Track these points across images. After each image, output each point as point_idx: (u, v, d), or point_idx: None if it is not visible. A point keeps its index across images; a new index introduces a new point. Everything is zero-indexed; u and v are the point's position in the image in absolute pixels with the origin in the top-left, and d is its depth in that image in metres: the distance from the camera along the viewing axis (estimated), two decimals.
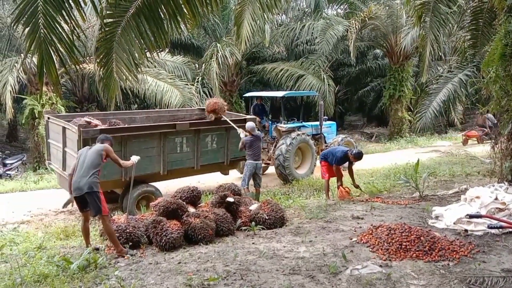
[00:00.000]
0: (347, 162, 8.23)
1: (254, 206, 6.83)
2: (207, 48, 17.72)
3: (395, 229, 5.26)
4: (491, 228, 5.13)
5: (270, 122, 12.16)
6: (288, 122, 11.66)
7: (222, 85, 17.94)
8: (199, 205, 6.74)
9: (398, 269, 4.40)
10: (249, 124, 8.70)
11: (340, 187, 8.28)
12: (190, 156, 8.61)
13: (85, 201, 5.41)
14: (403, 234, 5.10)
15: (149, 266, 4.80)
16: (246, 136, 8.54)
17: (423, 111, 14.22)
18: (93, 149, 5.63)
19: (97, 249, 5.49)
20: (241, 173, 11.89)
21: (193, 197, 6.66)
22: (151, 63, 13.87)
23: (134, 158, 6.10)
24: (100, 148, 5.61)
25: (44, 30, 4.24)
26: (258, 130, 11.31)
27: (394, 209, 7.00)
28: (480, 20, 10.30)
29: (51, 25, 4.27)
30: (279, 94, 12.18)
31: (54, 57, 4.46)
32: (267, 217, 6.40)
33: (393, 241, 5.00)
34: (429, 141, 18.32)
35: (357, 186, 8.40)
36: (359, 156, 8.02)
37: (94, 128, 7.39)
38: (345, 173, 8.50)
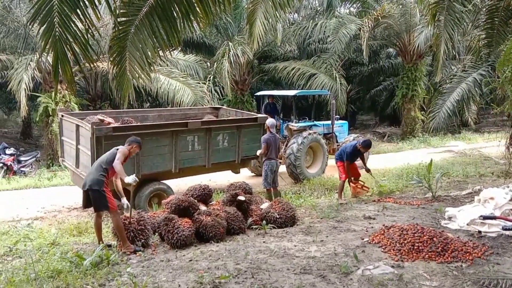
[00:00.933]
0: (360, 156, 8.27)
1: (265, 205, 6.84)
2: (219, 47, 17.74)
3: (407, 230, 5.22)
4: (506, 229, 5.06)
5: (282, 121, 12.16)
6: (300, 121, 11.64)
7: (234, 83, 17.96)
8: (210, 203, 6.77)
9: (410, 270, 4.37)
10: (270, 121, 8.65)
11: (352, 183, 8.27)
12: (202, 154, 8.65)
13: (89, 197, 5.53)
14: (416, 234, 5.06)
15: (160, 263, 4.84)
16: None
17: (437, 111, 14.05)
18: (114, 148, 5.76)
19: (110, 245, 5.56)
20: (252, 171, 12.01)
21: (205, 195, 6.69)
22: (164, 61, 13.95)
23: (130, 180, 5.63)
24: (116, 149, 5.72)
25: (59, 28, 4.29)
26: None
27: (407, 209, 6.95)
28: (496, 19, 10.14)
29: (66, 24, 4.32)
30: (291, 93, 12.17)
31: (69, 55, 4.51)
32: (278, 216, 6.40)
33: (406, 241, 4.97)
34: (442, 141, 18.12)
35: (368, 170, 8.47)
36: (366, 144, 8.06)
37: (107, 126, 7.46)
38: (362, 172, 8.54)
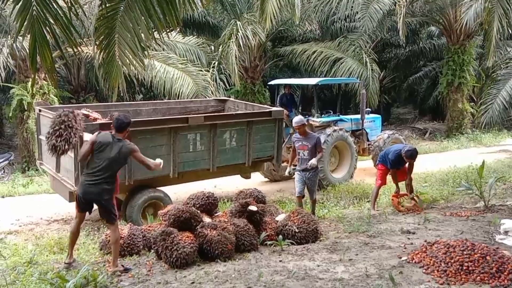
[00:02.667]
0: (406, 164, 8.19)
1: (281, 217, 6.85)
2: (225, 27, 17.78)
3: (454, 247, 5.19)
4: None
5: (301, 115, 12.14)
6: (323, 116, 11.61)
7: (243, 71, 17.99)
8: (216, 215, 6.79)
9: None
10: (298, 119, 8.08)
11: (394, 196, 8.22)
12: (205, 156, 8.67)
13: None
14: (465, 252, 5.02)
15: (157, 287, 4.88)
16: None
17: (489, 102, 13.98)
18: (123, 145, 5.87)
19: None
20: (265, 176, 12.02)
21: (209, 204, 6.71)
22: (159, 45, 14.02)
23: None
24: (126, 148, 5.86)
25: (37, 7, 4.35)
26: (286, 125, 11.33)
27: (453, 221, 6.91)
28: None
29: (45, 1, 4.37)
30: (311, 81, 12.13)
31: (49, 38, 4.56)
32: (297, 230, 6.40)
33: (452, 260, 4.94)
34: (496, 138, 17.93)
35: (412, 199, 8.26)
36: (411, 155, 7.94)
37: (93, 123, 7.52)
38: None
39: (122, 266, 5.57)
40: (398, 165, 8.19)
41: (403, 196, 8.40)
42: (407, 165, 8.22)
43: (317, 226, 6.64)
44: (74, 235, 5.94)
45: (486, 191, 7.83)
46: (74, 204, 6.08)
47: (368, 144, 12.23)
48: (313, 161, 7.66)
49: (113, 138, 5.59)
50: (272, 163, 10.10)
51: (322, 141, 10.53)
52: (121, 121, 5.71)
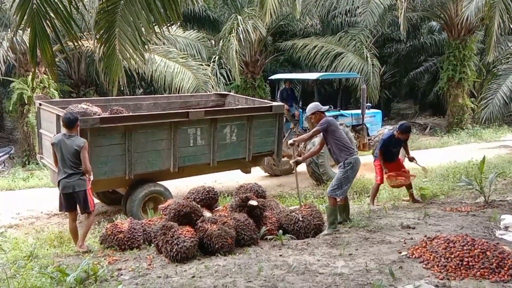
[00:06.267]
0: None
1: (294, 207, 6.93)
2: (225, 22, 17.75)
3: (454, 242, 5.18)
4: None
5: (301, 110, 12.12)
6: None
7: (243, 65, 17.96)
8: (216, 209, 6.80)
9: None
10: (313, 106, 7.19)
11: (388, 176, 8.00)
12: (206, 150, 8.67)
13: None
14: (465, 247, 5.02)
15: (157, 280, 4.88)
16: None
17: (490, 97, 13.96)
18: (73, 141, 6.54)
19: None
20: (266, 171, 12.02)
21: (209, 199, 6.73)
22: (160, 39, 13.99)
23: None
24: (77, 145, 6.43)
25: (38, 0, 4.33)
26: (287, 120, 11.33)
27: (454, 217, 6.90)
28: None
29: None
30: (312, 76, 12.12)
31: (49, 32, 4.55)
32: (300, 218, 6.44)
33: (452, 256, 4.93)
34: (497, 134, 17.92)
35: (412, 159, 8.16)
36: (405, 129, 7.85)
37: (94, 117, 7.52)
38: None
39: (86, 246, 6.33)
40: (393, 150, 8.02)
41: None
42: (400, 156, 8.23)
43: (321, 223, 6.66)
44: (73, 232, 6.53)
45: (487, 186, 7.82)
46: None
47: (369, 139, 12.22)
48: (290, 140, 6.97)
49: (63, 136, 6.36)
50: (272, 157, 10.10)
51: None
52: (67, 119, 6.38)
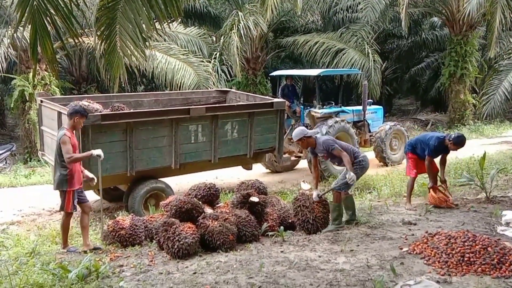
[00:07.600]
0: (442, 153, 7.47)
1: (306, 186, 6.91)
2: (226, 18, 17.73)
3: (455, 238, 5.18)
4: None
5: (302, 106, 12.12)
6: (324, 107, 11.58)
7: (244, 62, 17.94)
8: (218, 206, 6.81)
9: (459, 286, 4.34)
10: (297, 131, 6.77)
11: (432, 190, 7.41)
12: (207, 147, 8.68)
13: None
14: (466, 243, 5.02)
15: (159, 277, 4.89)
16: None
17: (491, 93, 13.92)
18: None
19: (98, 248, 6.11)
20: (267, 167, 12.04)
21: (210, 195, 6.73)
22: (161, 36, 13.99)
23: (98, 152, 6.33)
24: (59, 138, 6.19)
25: None
26: (288, 116, 11.32)
27: (455, 213, 6.90)
28: None
29: None
30: (313, 72, 12.11)
31: (50, 29, 4.55)
32: (308, 206, 6.42)
33: (454, 252, 4.93)
34: (498, 130, 17.88)
35: (443, 181, 7.52)
36: (460, 141, 7.12)
37: (95, 114, 7.52)
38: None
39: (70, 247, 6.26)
40: (437, 154, 7.41)
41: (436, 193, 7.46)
42: (439, 156, 7.51)
43: (326, 218, 6.59)
44: (81, 226, 6.47)
45: (488, 182, 7.81)
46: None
47: (370, 136, 12.21)
48: (350, 173, 6.29)
49: (61, 127, 6.38)
50: (273, 154, 10.09)
51: (324, 132, 10.51)
52: (69, 108, 6.43)
